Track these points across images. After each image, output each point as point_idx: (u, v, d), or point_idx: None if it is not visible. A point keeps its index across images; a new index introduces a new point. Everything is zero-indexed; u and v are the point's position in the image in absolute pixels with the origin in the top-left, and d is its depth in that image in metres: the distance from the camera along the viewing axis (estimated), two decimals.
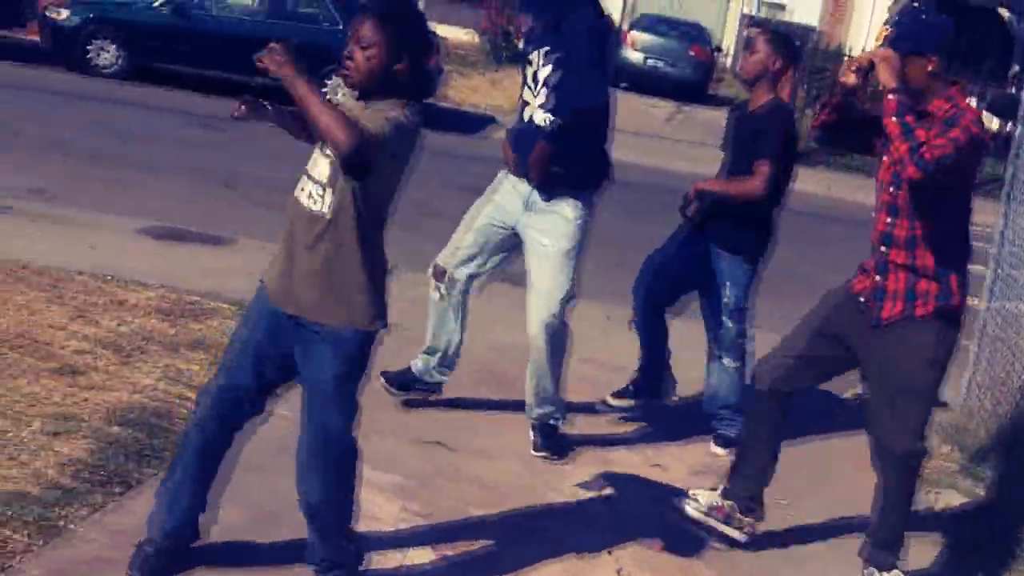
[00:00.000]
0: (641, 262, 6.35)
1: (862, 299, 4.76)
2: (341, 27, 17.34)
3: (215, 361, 5.99)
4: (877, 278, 4.71)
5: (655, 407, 6.51)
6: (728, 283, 6.04)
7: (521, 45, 5.89)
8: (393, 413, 5.88)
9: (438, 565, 4.52)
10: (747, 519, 5.12)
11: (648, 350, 6.37)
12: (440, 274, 5.82)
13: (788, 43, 6.05)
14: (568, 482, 5.48)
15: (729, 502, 5.11)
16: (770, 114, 5.91)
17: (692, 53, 28.97)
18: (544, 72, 5.53)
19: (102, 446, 4.88)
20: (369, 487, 4.89)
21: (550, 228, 5.59)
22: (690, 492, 5.24)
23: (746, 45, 6.08)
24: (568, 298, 5.63)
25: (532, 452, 5.73)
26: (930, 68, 4.58)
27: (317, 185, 3.76)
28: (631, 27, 30.31)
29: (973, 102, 19.90)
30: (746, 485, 5.12)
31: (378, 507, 4.85)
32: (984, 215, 15.98)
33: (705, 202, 6.03)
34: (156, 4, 17.66)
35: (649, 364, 6.39)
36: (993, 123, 22.20)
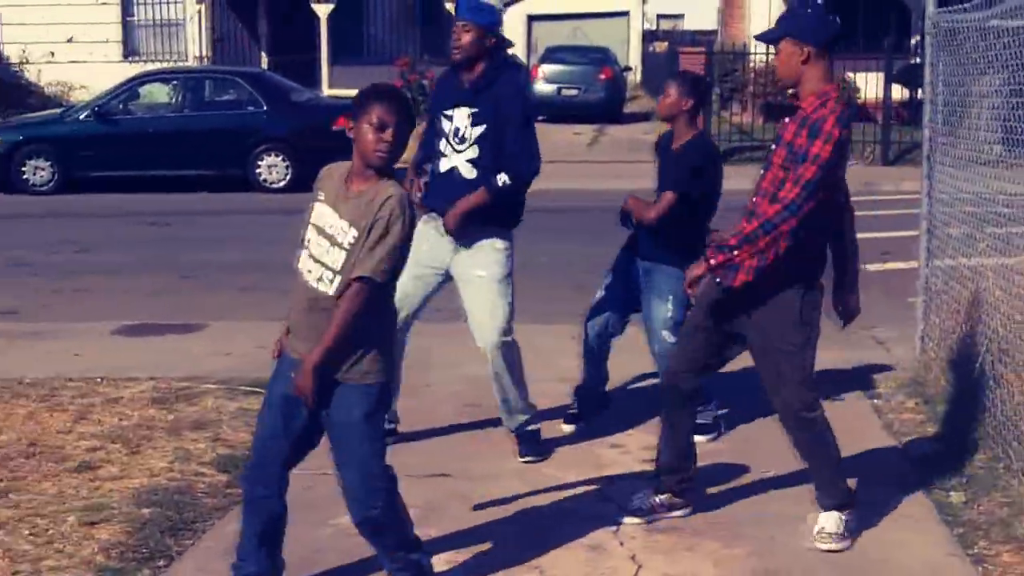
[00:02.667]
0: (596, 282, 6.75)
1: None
2: (265, 108, 17.75)
3: (217, 438, 6.38)
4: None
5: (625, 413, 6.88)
6: (671, 297, 6.32)
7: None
8: (391, 456, 6.22)
9: (466, 569, 4.93)
10: (680, 500, 5.45)
11: (593, 372, 6.70)
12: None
13: (696, 83, 6.50)
14: (568, 489, 5.83)
15: (664, 495, 5.43)
16: (685, 150, 6.32)
17: (602, 76, 29.51)
18: (475, 131, 5.95)
19: (137, 527, 5.22)
20: None
21: (483, 260, 6.04)
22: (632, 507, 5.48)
23: (661, 90, 6.56)
24: (511, 318, 6.06)
25: (519, 459, 6.17)
26: (804, 57, 4.91)
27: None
28: (540, 60, 30.87)
29: (879, 77, 20.56)
30: (674, 470, 5.43)
31: None
32: (909, 182, 16.36)
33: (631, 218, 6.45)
34: (83, 116, 17.96)
35: (592, 384, 6.71)
36: (904, 92, 22.87)
